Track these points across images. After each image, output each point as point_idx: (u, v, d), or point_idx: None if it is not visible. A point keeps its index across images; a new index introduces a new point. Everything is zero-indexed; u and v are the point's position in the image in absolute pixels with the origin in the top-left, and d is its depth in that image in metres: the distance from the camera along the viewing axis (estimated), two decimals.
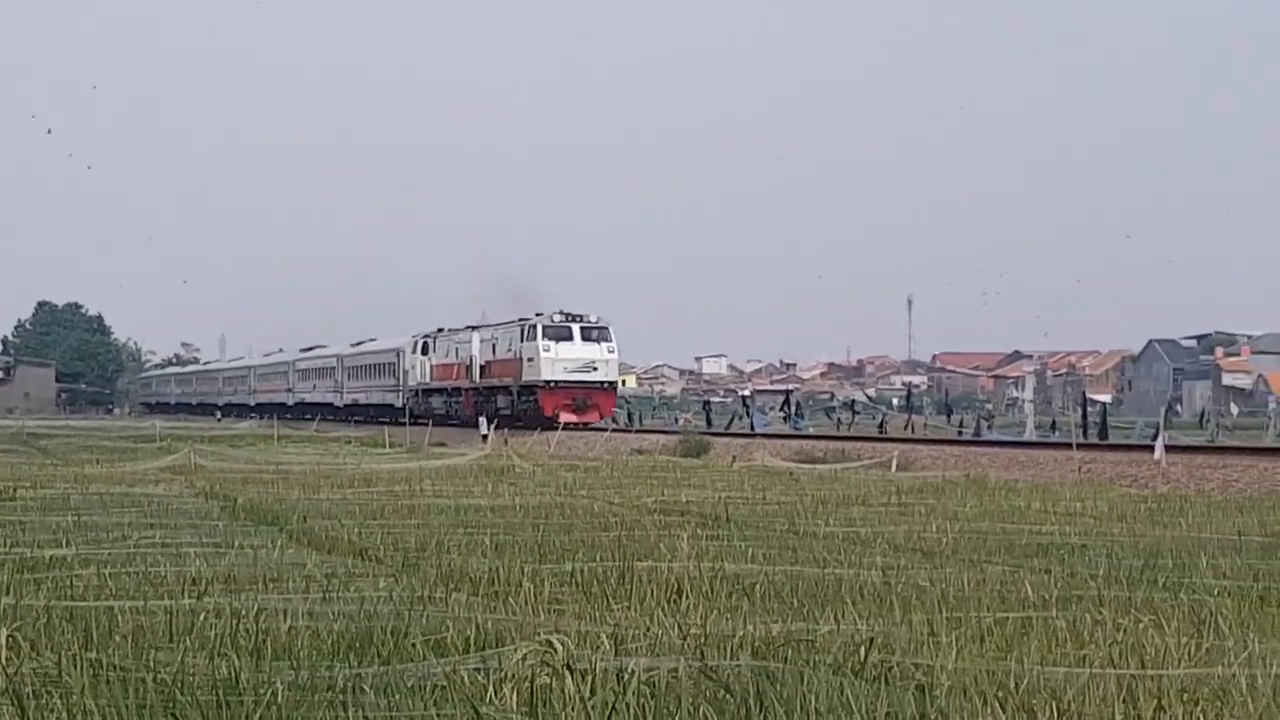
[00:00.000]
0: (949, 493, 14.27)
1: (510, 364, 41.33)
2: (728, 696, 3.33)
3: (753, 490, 14.86)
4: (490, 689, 3.41)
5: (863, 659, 3.90)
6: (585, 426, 37.06)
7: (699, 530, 9.43)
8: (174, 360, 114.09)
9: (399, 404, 50.22)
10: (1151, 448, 20.44)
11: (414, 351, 50.04)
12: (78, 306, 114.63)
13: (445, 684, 3.54)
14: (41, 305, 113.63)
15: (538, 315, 40.39)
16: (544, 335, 38.74)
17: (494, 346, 43.30)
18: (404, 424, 42.90)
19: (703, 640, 4.35)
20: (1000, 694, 3.43)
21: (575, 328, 39.04)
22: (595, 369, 38.82)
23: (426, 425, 39.68)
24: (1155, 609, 5.22)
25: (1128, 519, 10.87)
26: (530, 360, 39.28)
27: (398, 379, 51.65)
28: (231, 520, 11.03)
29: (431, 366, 49.00)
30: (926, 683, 3.60)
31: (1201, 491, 15.02)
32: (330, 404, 60.86)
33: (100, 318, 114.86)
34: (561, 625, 4.61)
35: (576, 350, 38.74)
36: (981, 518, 10.96)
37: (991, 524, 10.29)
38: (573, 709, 3.15)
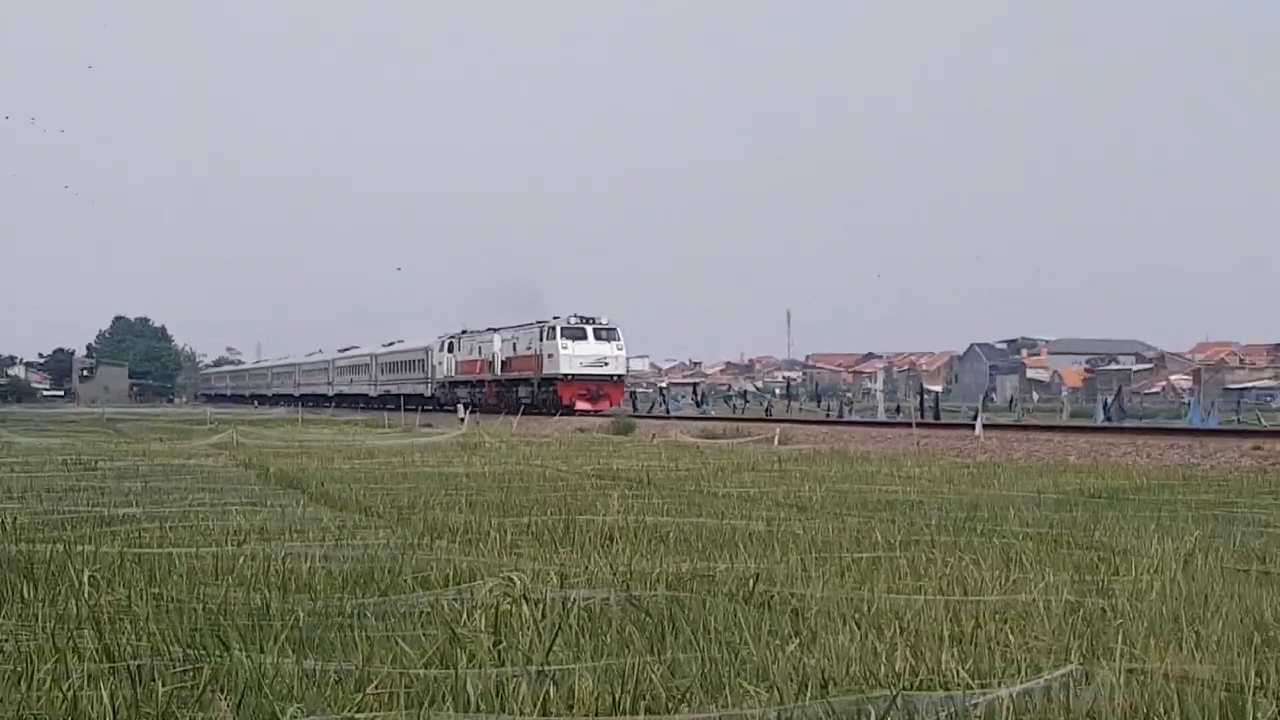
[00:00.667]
0: (818, 461, 14.39)
1: (530, 359, 39.41)
2: (647, 618, 3.38)
3: (668, 460, 14.81)
4: (464, 614, 3.46)
5: (751, 589, 3.96)
6: (598, 413, 34.76)
7: (626, 491, 9.39)
8: (221, 361, 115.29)
9: (428, 394, 48.67)
10: (973, 426, 21.01)
11: (441, 350, 48.14)
12: (146, 320, 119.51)
13: (429, 610, 3.62)
14: (118, 319, 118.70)
15: (555, 318, 38.74)
16: (562, 335, 37.02)
17: (514, 345, 41.53)
18: (431, 410, 42.93)
19: (628, 576, 4.40)
20: (856, 615, 3.50)
21: (589, 329, 37.36)
22: (606, 364, 37.11)
23: (453, 411, 38.52)
24: (975, 550, 5.32)
25: (954, 481, 11.03)
26: (550, 356, 37.40)
27: (427, 373, 49.61)
28: (265, 485, 10.79)
29: (456, 362, 47.13)
30: (800, 607, 3.68)
31: (1010, 460, 15.36)
32: (365, 394, 58.58)
33: (164, 329, 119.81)
34: (519, 565, 4.60)
35: (590, 348, 36.92)
36: (843, 480, 11.06)
37: (851, 485, 10.40)
38: (528, 629, 3.16)
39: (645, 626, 3.28)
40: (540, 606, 3.46)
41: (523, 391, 39.86)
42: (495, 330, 43.24)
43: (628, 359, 39.61)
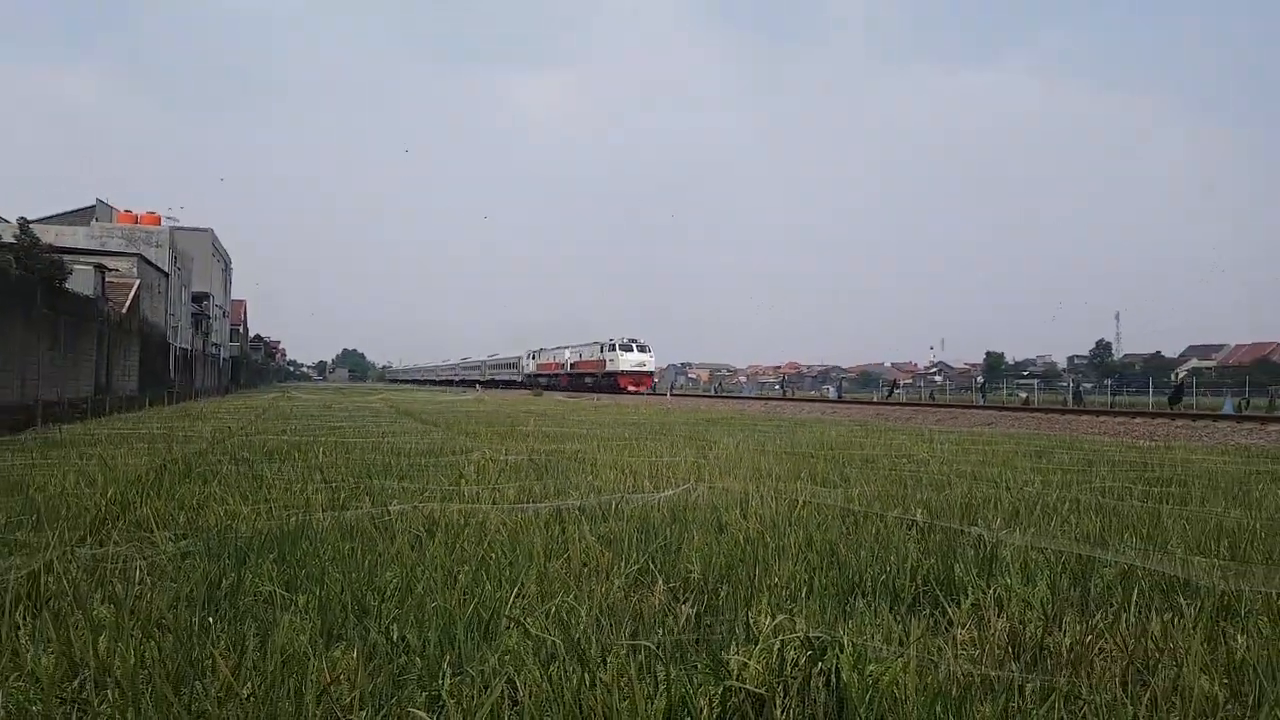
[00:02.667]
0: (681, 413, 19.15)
1: (595, 362, 67.58)
2: (539, 469, 7.81)
3: (616, 411, 19.72)
4: (467, 465, 7.95)
5: (580, 456, 8.44)
6: (639, 392, 59.55)
7: (541, 419, 14.66)
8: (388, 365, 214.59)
9: (519, 380, 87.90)
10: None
11: (527, 358, 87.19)
12: (354, 350, 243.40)
13: (454, 462, 8.15)
14: (344, 350, 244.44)
15: (611, 339, 66.08)
16: (619, 349, 64.18)
17: (580, 354, 71.65)
18: (518, 389, 77.92)
19: (533, 452, 8.91)
20: (617, 466, 7.94)
21: (634, 344, 64.60)
22: (645, 366, 64.55)
23: (537, 392, 66.01)
24: (667, 441, 10.01)
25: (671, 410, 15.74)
26: (610, 360, 64.67)
27: (518, 370, 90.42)
28: (397, 416, 19.29)
29: (537, 364, 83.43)
30: (595, 462, 8.17)
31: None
32: (476, 380, 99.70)
33: (362, 354, 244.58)
34: (492, 448, 9.19)
35: (634, 357, 64.04)
36: (664, 415, 15.93)
37: (664, 419, 15.12)
38: (493, 472, 7.61)
39: (541, 473, 7.71)
40: (496, 462, 7.95)
41: (589, 380, 67.66)
42: (565, 346, 76.14)
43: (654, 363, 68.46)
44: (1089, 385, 79.04)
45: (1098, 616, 3.34)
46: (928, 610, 3.45)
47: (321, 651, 2.77)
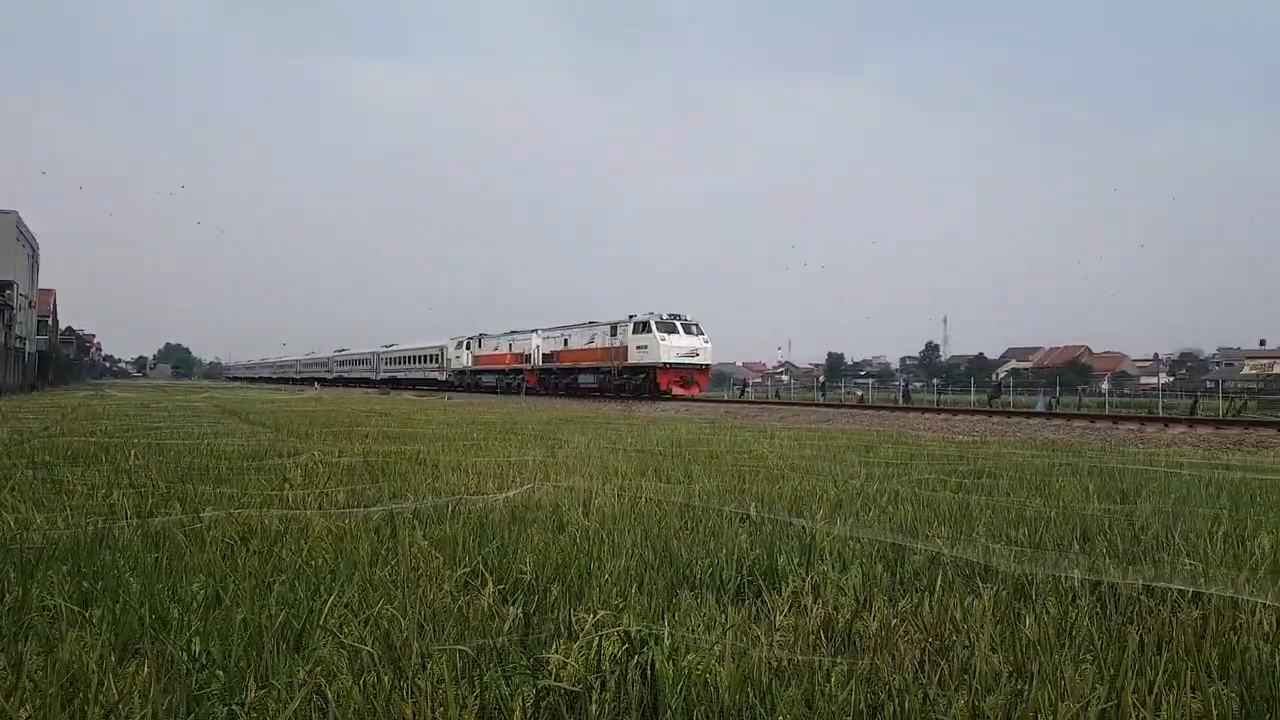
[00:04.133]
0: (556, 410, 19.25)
1: (604, 351, 43.36)
2: (375, 471, 7.56)
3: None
4: (294, 468, 7.57)
5: (420, 457, 8.26)
6: (690, 398, 38.71)
7: (384, 419, 14.22)
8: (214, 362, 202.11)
9: (442, 379, 63.69)
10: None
11: (457, 349, 61.59)
12: (178, 345, 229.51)
13: (280, 465, 7.72)
14: (168, 344, 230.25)
15: (638, 314, 41.82)
16: (659, 329, 39.53)
17: (568, 339, 47.36)
18: (443, 394, 56.30)
19: (370, 453, 8.64)
20: (461, 468, 7.83)
21: (678, 323, 40.04)
22: (697, 355, 39.56)
23: (465, 392, 55.64)
24: (516, 440, 9.99)
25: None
26: (642, 347, 40.21)
27: (441, 364, 64.60)
28: (222, 416, 17.74)
29: (474, 356, 59.08)
30: (436, 463, 8.06)
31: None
32: (368, 379, 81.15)
33: (187, 349, 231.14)
34: (324, 450, 8.77)
35: (684, 342, 39.40)
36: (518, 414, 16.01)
37: (515, 418, 15.21)
38: (323, 475, 7.29)
39: (375, 475, 7.46)
40: (328, 465, 7.62)
41: (590, 379, 45.01)
42: (535, 330, 51.53)
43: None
44: (918, 384, 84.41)
45: (903, 602, 3.56)
46: (751, 599, 3.58)
47: (112, 668, 2.58)
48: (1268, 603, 3.60)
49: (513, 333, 54.19)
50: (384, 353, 78.84)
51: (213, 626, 2.99)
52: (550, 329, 49.85)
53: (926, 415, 24.78)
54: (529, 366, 50.99)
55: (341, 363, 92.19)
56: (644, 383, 39.87)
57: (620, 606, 3.29)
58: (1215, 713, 2.48)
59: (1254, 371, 58.51)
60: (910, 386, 71.93)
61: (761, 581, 3.77)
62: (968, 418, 23.46)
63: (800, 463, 9.71)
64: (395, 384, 72.73)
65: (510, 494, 6.49)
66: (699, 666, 2.50)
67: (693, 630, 3.02)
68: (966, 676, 2.67)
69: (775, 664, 2.68)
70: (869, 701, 2.45)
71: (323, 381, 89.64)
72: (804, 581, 3.75)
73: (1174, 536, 5.13)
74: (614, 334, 42.85)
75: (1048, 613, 3.47)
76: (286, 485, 6.91)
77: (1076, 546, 4.80)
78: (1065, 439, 17.07)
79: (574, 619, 2.97)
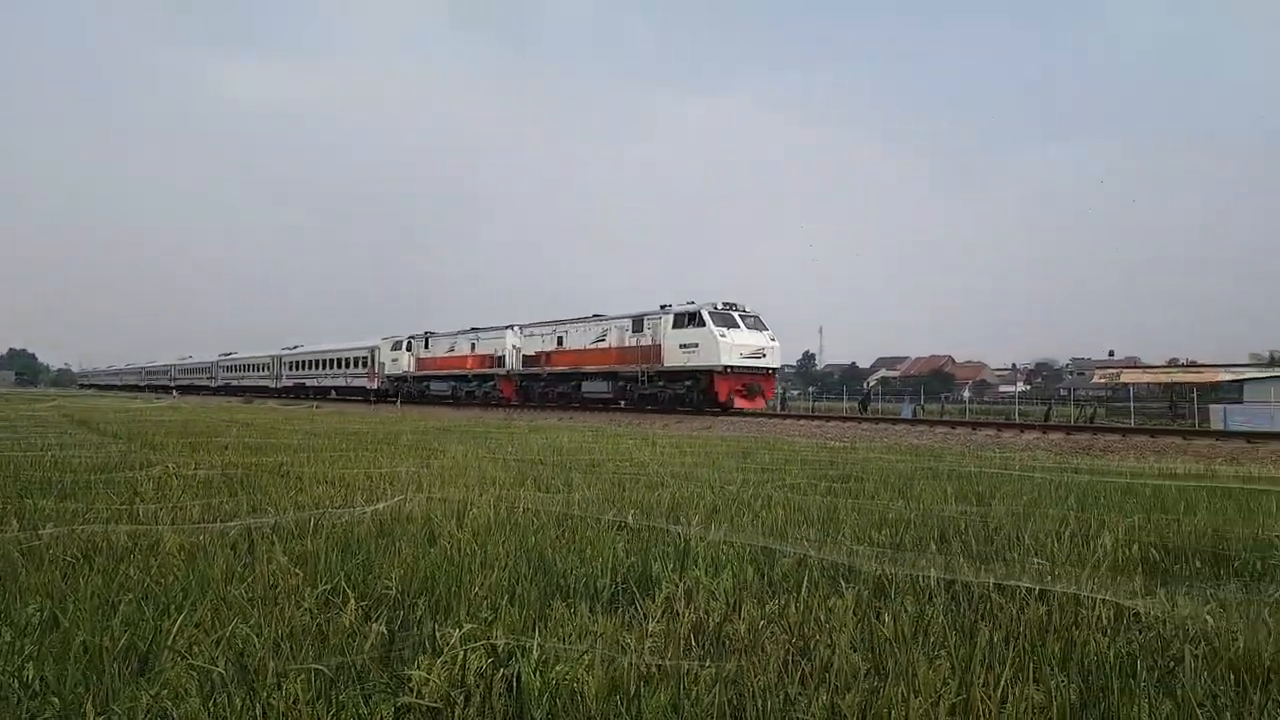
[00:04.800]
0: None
1: (631, 352, 33.04)
2: (233, 484, 7.22)
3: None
4: (146, 481, 7.14)
5: (284, 469, 7.95)
6: (753, 412, 30.05)
7: (246, 428, 13.73)
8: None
9: (373, 387, 52.02)
10: None
11: (394, 349, 49.79)
12: (22, 350, 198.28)
13: (131, 479, 7.28)
14: (11, 350, 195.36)
15: (680, 303, 32.09)
16: (714, 321, 29.96)
17: (563, 336, 37.11)
18: (372, 402, 49.76)
19: (229, 465, 8.26)
20: (328, 479, 7.58)
21: (735, 314, 30.69)
22: (764, 355, 30.37)
23: (411, 405, 44.29)
24: (385, 450, 9.94)
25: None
26: (690, 346, 30.30)
27: (372, 369, 52.36)
28: (70, 426, 17.08)
29: (418, 359, 47.44)
30: (301, 475, 7.79)
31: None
32: (266, 387, 68.26)
33: (33, 355, 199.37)
34: (179, 461, 8.33)
35: (745, 337, 30.13)
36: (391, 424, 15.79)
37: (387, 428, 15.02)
38: (177, 488, 6.91)
39: (234, 489, 7.12)
40: (183, 478, 7.22)
41: (595, 387, 35.09)
42: (506, 328, 41.01)
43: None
44: (795, 392, 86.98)
45: (771, 604, 3.65)
46: (625, 607, 3.60)
47: None
48: (1106, 598, 3.87)
49: (474, 330, 43.68)
50: (288, 355, 65.57)
51: (49, 651, 2.78)
52: (534, 325, 39.46)
53: (801, 421, 25.58)
54: (502, 371, 40.46)
55: (230, 368, 77.31)
56: (690, 391, 30.50)
57: (490, 619, 3.25)
58: (1056, 703, 2.65)
59: (1103, 380, 63.09)
60: (787, 394, 74.09)
61: (635, 589, 3.80)
62: (839, 424, 24.36)
63: (680, 470, 9.83)
64: (307, 393, 61.35)
65: (379, 506, 6.31)
66: (567, 676, 2.49)
67: (565, 640, 3.01)
68: (827, 675, 2.77)
69: (645, 670, 2.70)
70: (734, 703, 2.50)
71: (203, 391, 78.30)
72: (677, 587, 3.80)
73: (1024, 537, 5.46)
74: (638, 329, 32.81)
75: (906, 611, 3.64)
76: (137, 499, 6.51)
77: (934, 547, 5.04)
78: (928, 444, 17.94)
79: (440, 634, 2.91)
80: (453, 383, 44.76)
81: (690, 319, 30.35)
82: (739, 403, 29.23)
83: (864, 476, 9.41)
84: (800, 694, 2.56)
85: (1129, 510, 6.95)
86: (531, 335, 39.28)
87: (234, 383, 75.48)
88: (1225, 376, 49.75)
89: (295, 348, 66.40)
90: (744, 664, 2.80)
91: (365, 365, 53.19)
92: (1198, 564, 5.00)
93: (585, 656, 2.67)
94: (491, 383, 41.59)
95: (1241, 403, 43.87)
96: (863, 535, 5.47)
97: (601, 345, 34.76)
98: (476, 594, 3.63)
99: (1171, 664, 3.13)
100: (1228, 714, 2.73)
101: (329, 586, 3.72)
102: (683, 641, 3.12)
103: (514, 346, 40.21)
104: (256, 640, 2.92)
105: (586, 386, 35.34)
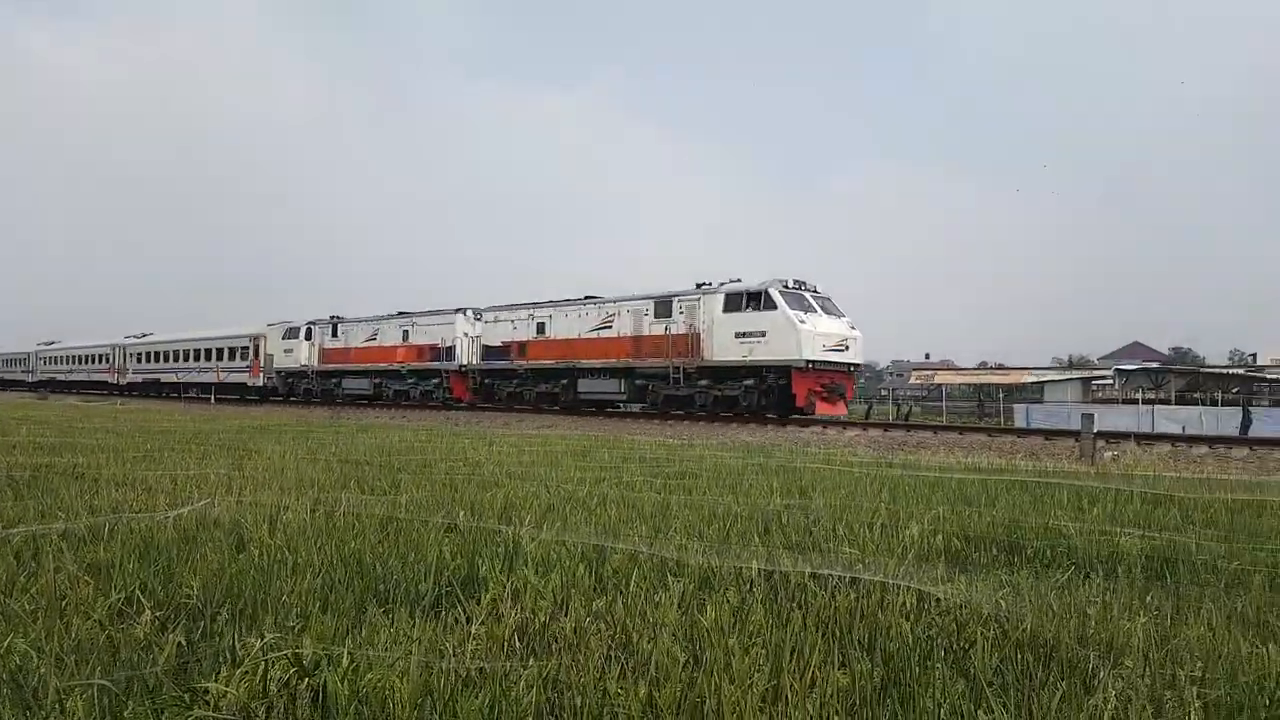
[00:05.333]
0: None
1: (652, 343, 26.44)
2: (18, 487, 6.56)
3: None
4: None
5: (79, 471, 7.32)
6: (835, 418, 24.06)
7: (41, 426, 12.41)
8: None
9: (256, 383, 43.16)
10: None
11: (287, 337, 41.27)
12: None
13: None
14: None
15: (705, 283, 25.89)
16: (787, 301, 23.50)
17: (541, 325, 30.11)
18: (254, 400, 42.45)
19: (14, 466, 7.50)
20: (129, 482, 7.04)
21: (808, 295, 24.31)
22: (847, 347, 23.95)
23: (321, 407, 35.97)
24: (198, 452, 9.39)
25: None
26: (750, 335, 23.80)
27: (258, 360, 43.17)
28: None
29: (325, 350, 39.11)
30: (96, 478, 7.17)
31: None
32: (104, 381, 57.53)
33: None
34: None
35: (825, 324, 23.71)
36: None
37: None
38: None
39: (17, 489, 6.47)
40: None
41: (598, 385, 28.28)
42: (456, 311, 33.53)
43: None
44: None
45: (599, 601, 3.69)
46: (448, 610, 3.54)
47: None
48: (910, 585, 4.16)
49: (405, 315, 35.66)
50: (135, 345, 55.19)
51: None
52: (499, 309, 32.00)
53: (640, 421, 25.99)
54: (452, 366, 32.89)
55: (54, 360, 65.67)
56: (751, 393, 24.16)
57: (300, 628, 3.11)
58: (859, 686, 2.82)
59: (919, 381, 67.66)
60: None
61: (460, 591, 3.74)
62: (676, 424, 24.92)
63: (517, 469, 9.76)
64: (163, 391, 51.92)
65: (184, 511, 5.91)
66: (379, 684, 2.43)
67: (381, 647, 2.93)
68: (648, 669, 2.82)
69: (464, 674, 2.67)
70: (554, 702, 2.51)
71: (18, 387, 67.02)
72: (505, 588, 3.77)
73: (839, 528, 5.77)
74: (664, 312, 26.26)
75: (728, 602, 3.77)
76: None
77: (758, 539, 5.25)
78: (760, 441, 18.66)
79: (242, 644, 2.76)
80: (376, 380, 36.50)
81: (751, 300, 23.81)
82: (821, 407, 23.08)
83: (698, 473, 9.66)
84: (619, 689, 2.60)
85: (936, 502, 7.48)
86: (497, 321, 31.76)
87: (61, 377, 64.07)
88: (1029, 378, 54.42)
89: (145, 335, 55.95)
90: (566, 662, 2.82)
91: (245, 357, 43.93)
92: (994, 552, 5.45)
93: (400, 663, 2.61)
94: (435, 380, 33.75)
95: (1042, 402, 48.22)
96: (693, 530, 5.62)
97: (605, 333, 27.71)
98: (286, 601, 3.47)
99: (966, 645, 3.39)
100: (1013, 690, 2.99)
101: (123, 596, 3.45)
102: (506, 643, 3.11)
103: (466, 334, 32.85)
104: (37, 656, 2.68)
105: (585, 385, 28.30)
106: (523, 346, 30.63)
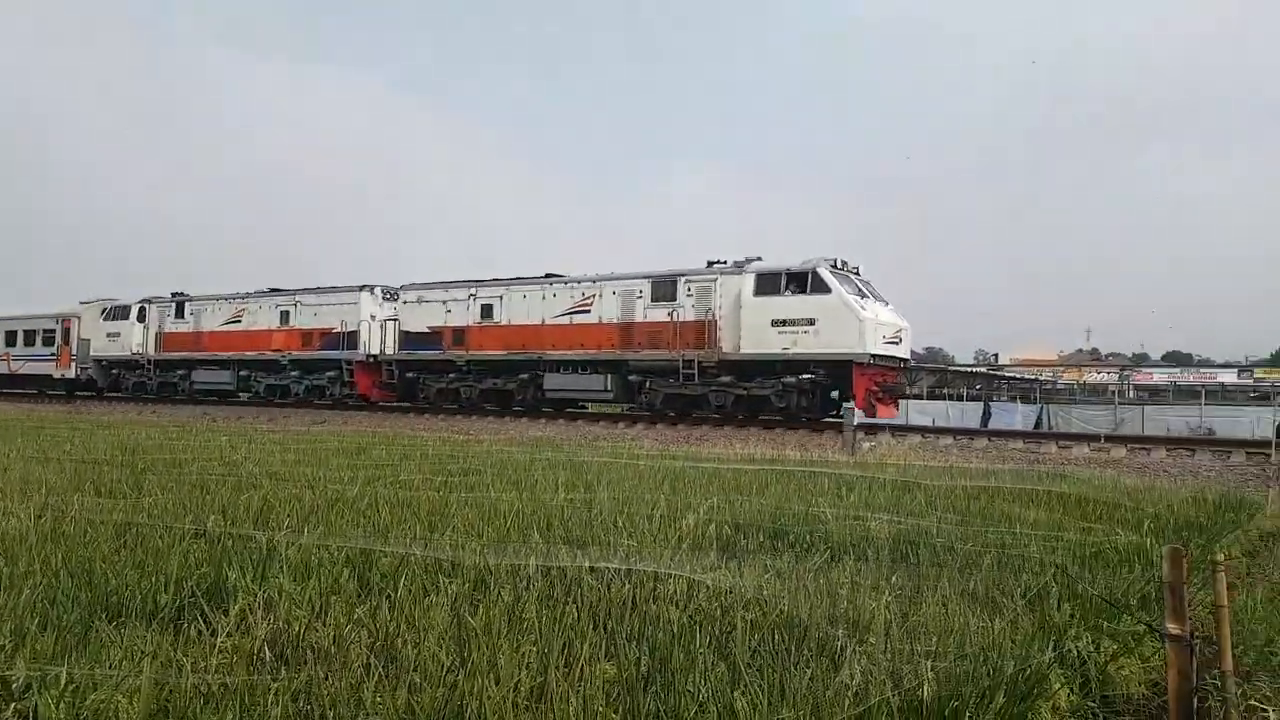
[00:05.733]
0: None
1: (645, 331, 21.91)
2: None
3: None
4: None
5: None
6: (889, 423, 20.58)
7: None
8: None
9: (64, 374, 34.07)
10: None
11: (109, 318, 33.01)
12: None
13: None
14: None
15: (744, 262, 21.04)
16: (840, 282, 19.55)
17: (489, 308, 24.64)
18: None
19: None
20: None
21: (855, 279, 20.35)
22: (899, 339, 20.23)
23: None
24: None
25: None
26: (791, 323, 19.65)
27: (69, 348, 34.06)
28: None
29: (165, 335, 31.61)
30: None
31: None
32: None
33: None
34: None
35: (883, 313, 19.94)
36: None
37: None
38: None
39: None
40: None
41: (579, 383, 23.18)
42: (359, 289, 27.32)
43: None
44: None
45: (363, 607, 3.57)
46: (190, 622, 3.29)
47: None
48: (680, 574, 4.32)
49: (282, 292, 29.48)
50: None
51: None
52: (428, 288, 26.34)
53: (425, 416, 25.34)
54: (359, 356, 26.83)
55: None
56: (790, 393, 20.18)
57: (12, 647, 2.79)
58: (624, 674, 2.89)
59: None
60: None
61: (205, 602, 3.49)
62: (465, 419, 24.53)
63: (280, 469, 9.23)
64: None
65: None
66: (105, 704, 2.22)
67: (110, 665, 2.67)
68: (412, 674, 2.76)
69: (206, 690, 2.49)
70: (306, 714, 2.40)
71: None
72: (255, 597, 3.55)
73: (620, 520, 5.91)
74: (664, 295, 21.82)
75: (502, 600, 3.75)
76: None
77: (538, 535, 5.28)
78: (550, 435, 18.76)
79: None
80: (243, 371, 29.76)
81: (792, 282, 19.89)
82: (880, 410, 19.91)
83: (483, 469, 9.56)
84: (377, 698, 2.53)
85: (712, 492, 7.83)
86: (422, 303, 25.88)
87: None
88: None
89: None
90: (321, 672, 2.70)
91: (52, 343, 35.13)
92: (761, 538, 5.78)
93: (129, 681, 2.39)
94: (331, 373, 27.57)
95: None
96: (473, 528, 5.55)
97: (582, 319, 23.09)
98: None
99: (729, 630, 3.58)
100: (769, 671, 3.18)
101: None
102: (255, 655, 2.93)
103: (374, 317, 26.99)
104: None
105: (555, 381, 23.24)
106: (460, 333, 25.00)
